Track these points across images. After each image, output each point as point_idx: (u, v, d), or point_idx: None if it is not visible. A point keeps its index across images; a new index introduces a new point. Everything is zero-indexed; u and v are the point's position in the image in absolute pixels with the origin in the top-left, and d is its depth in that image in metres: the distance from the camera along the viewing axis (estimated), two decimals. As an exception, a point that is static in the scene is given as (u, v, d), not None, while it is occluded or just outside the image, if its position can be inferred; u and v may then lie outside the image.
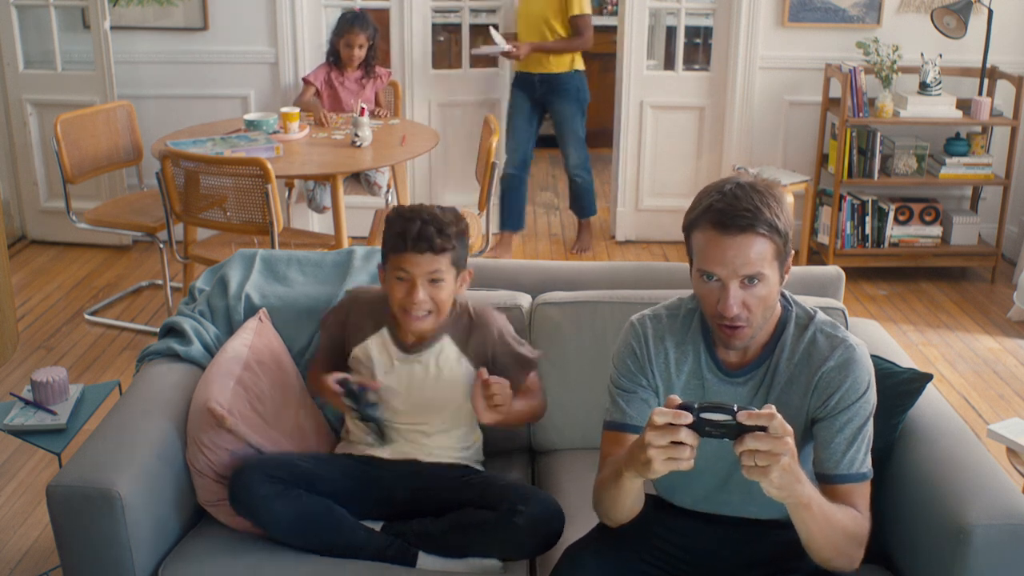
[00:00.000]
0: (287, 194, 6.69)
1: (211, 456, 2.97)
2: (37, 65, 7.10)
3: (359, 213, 6.85)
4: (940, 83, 6.56)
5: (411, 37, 7.10)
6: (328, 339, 3.32)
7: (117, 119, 6.19)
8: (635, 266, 3.86)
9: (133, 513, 2.74)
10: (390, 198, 6.67)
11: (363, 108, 5.67)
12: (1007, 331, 6.13)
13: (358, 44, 6.30)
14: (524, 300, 3.55)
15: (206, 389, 3.05)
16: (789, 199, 6.47)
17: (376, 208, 6.89)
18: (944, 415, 3.09)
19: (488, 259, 4.67)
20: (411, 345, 3.16)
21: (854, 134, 6.61)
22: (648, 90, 7.30)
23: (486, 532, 2.92)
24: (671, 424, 2.15)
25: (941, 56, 6.57)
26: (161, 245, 5.70)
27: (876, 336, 3.57)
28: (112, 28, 6.76)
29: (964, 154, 6.67)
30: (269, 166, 4.87)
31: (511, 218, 7.22)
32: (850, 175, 6.65)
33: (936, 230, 6.81)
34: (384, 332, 3.19)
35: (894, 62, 6.50)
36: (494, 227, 7.29)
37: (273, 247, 4.98)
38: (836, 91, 6.76)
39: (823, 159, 7.01)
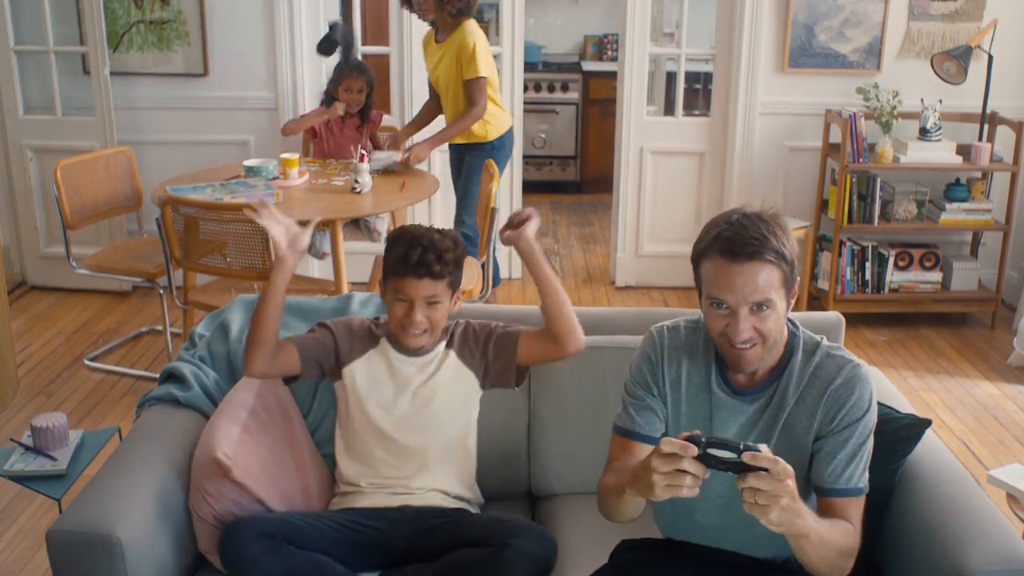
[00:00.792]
0: (287, 240, 6.66)
1: (215, 505, 2.95)
2: (37, 111, 7.11)
3: (359, 259, 6.84)
4: (940, 128, 6.57)
5: (411, 84, 7.12)
6: (315, 335, 3.34)
7: (117, 165, 6.19)
8: (635, 312, 3.85)
9: (133, 559, 2.72)
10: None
11: (363, 154, 5.67)
12: (1007, 377, 6.11)
13: (356, 89, 6.31)
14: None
15: (212, 437, 3.03)
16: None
17: (376, 254, 6.87)
18: (944, 461, 3.08)
19: (488, 305, 4.66)
20: (413, 350, 3.26)
21: (854, 179, 6.61)
22: (648, 136, 7.31)
23: (479, 569, 2.90)
24: (677, 454, 2.19)
25: (941, 101, 6.58)
26: (161, 291, 5.70)
27: (876, 382, 3.55)
28: (112, 74, 6.79)
29: (964, 199, 6.67)
30: (269, 212, 4.86)
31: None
32: (850, 220, 6.65)
33: (936, 276, 6.80)
34: (384, 341, 3.29)
35: (894, 107, 6.51)
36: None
37: (273, 293, 4.97)
38: (836, 136, 6.77)
39: (823, 204, 7.02)
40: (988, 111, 6.67)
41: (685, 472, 2.19)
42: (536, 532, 3.01)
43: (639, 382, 2.79)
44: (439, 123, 6.45)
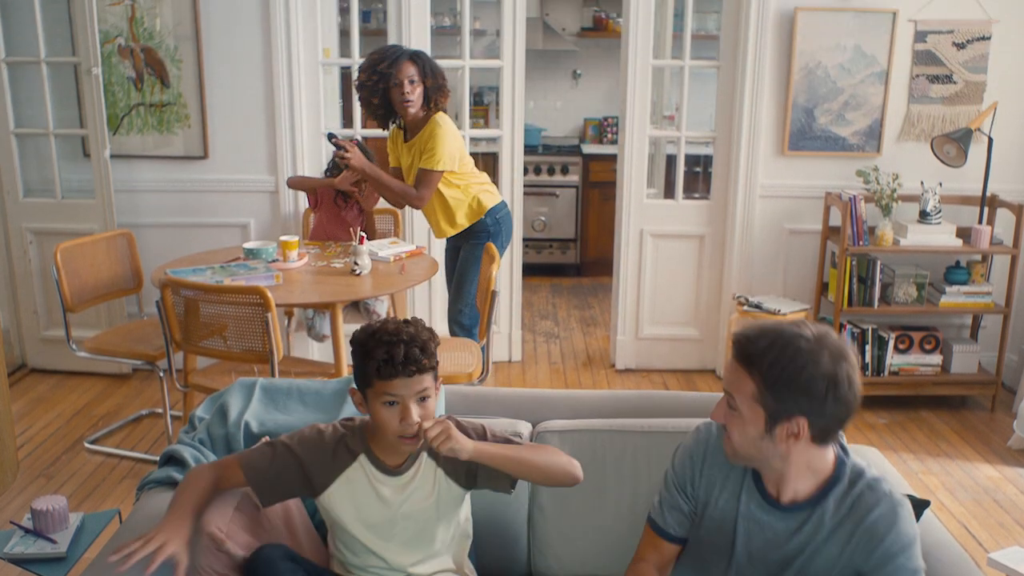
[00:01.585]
0: (287, 322, 6.68)
1: (211, 582, 2.91)
2: (37, 193, 7.13)
3: (358, 341, 6.82)
4: (940, 211, 6.58)
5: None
6: (274, 462, 3.05)
7: (117, 247, 6.20)
8: (636, 394, 3.83)
9: (134, 642, 2.66)
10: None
11: (362, 236, 5.68)
12: (1007, 460, 6.07)
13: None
14: (524, 428, 3.51)
15: (206, 515, 3.01)
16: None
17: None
18: (944, 543, 3.07)
19: (488, 388, 4.64)
20: (394, 467, 3.06)
21: (854, 262, 6.61)
22: (648, 218, 7.32)
23: None
24: None
25: (941, 184, 6.60)
26: (161, 374, 5.69)
27: (876, 464, 3.54)
28: (112, 156, 6.81)
29: (964, 282, 6.67)
30: (269, 295, 4.86)
31: None
32: (850, 303, 6.64)
33: (936, 358, 6.78)
34: (363, 459, 3.06)
35: (894, 190, 6.52)
36: (494, 356, 7.28)
37: (273, 375, 4.95)
38: (836, 219, 6.79)
39: (823, 287, 7.02)
40: (988, 194, 6.69)
41: None
42: None
43: (676, 479, 2.90)
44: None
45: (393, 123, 6.02)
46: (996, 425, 6.61)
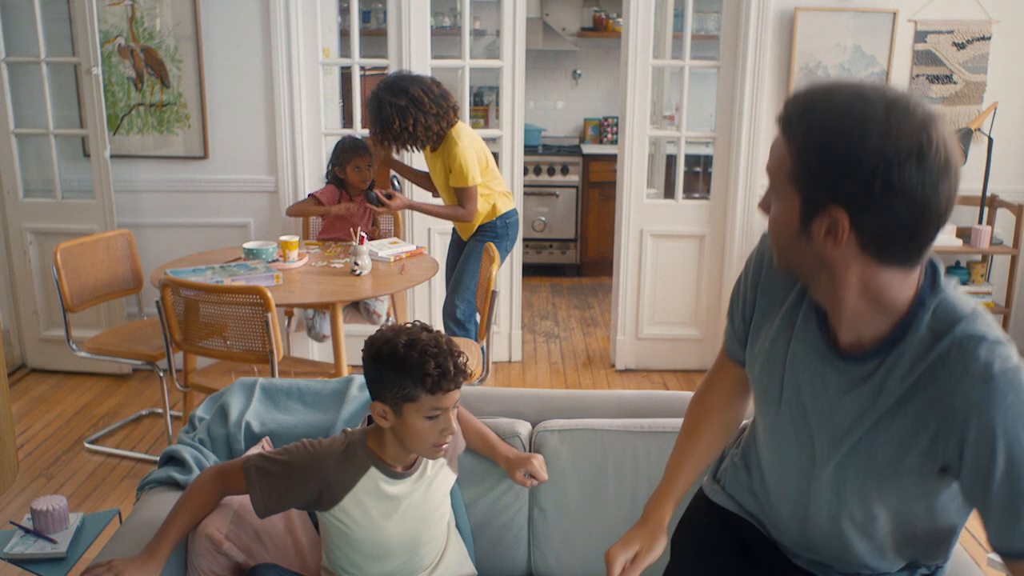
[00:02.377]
0: (287, 322, 6.67)
1: (210, 584, 2.90)
2: (37, 194, 7.13)
3: (358, 342, 6.77)
4: (940, 211, 6.57)
5: (411, 164, 7.13)
6: (290, 474, 2.94)
7: (117, 247, 6.19)
8: (635, 394, 3.82)
9: (132, 644, 2.66)
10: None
11: (363, 236, 5.67)
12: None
13: (366, 166, 6.32)
14: (523, 428, 3.51)
15: (206, 516, 3.01)
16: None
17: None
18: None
19: (488, 387, 4.64)
20: (401, 471, 3.02)
21: (854, 262, 6.59)
22: (648, 218, 7.32)
23: None
24: None
25: (940, 184, 6.59)
26: (161, 374, 5.68)
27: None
28: (112, 156, 6.82)
29: (964, 283, 6.68)
30: (269, 295, 4.86)
31: None
32: (851, 303, 6.62)
33: (938, 358, 6.77)
34: (372, 470, 2.98)
35: (894, 191, 6.51)
36: (494, 356, 7.27)
37: (273, 375, 4.95)
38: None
39: (823, 287, 7.00)
40: (988, 194, 6.69)
41: None
42: None
43: (737, 290, 2.41)
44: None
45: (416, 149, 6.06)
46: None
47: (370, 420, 3.05)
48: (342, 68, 8.16)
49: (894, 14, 6.65)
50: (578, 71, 11.06)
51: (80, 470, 5.75)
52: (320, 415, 3.58)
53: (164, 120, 6.93)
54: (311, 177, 7.03)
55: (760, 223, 7.04)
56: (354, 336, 6.48)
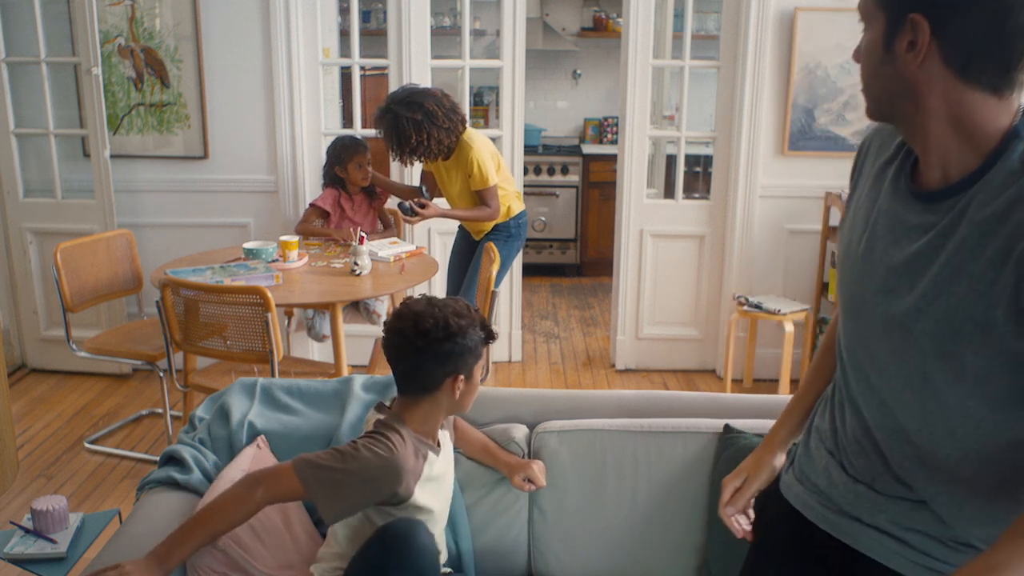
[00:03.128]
0: (287, 322, 6.67)
1: (207, 582, 2.90)
2: (37, 194, 7.12)
3: (358, 341, 6.83)
4: (940, 211, 6.56)
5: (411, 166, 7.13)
6: (367, 484, 2.85)
7: (117, 247, 6.19)
8: (635, 395, 3.82)
9: (132, 643, 2.66)
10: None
11: (363, 236, 5.67)
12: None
13: (367, 164, 6.33)
14: (520, 432, 3.50)
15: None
16: (789, 327, 6.46)
17: (375, 336, 6.87)
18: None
19: (488, 388, 4.63)
20: (437, 448, 3.10)
21: (854, 262, 6.57)
22: (648, 218, 7.31)
23: None
24: None
25: (940, 184, 6.59)
26: (161, 374, 5.69)
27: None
28: (112, 156, 6.82)
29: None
30: (269, 295, 4.86)
31: None
32: (851, 303, 6.62)
33: (938, 358, 6.75)
34: (431, 455, 3.04)
35: (893, 191, 6.51)
36: (494, 356, 7.26)
37: (273, 375, 4.95)
38: (836, 219, 6.78)
39: (823, 287, 7.00)
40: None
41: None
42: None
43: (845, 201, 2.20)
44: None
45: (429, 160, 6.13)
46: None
47: (378, 412, 3.09)
48: (342, 68, 8.16)
49: (894, 14, 6.64)
50: (578, 71, 11.06)
51: (80, 470, 5.75)
52: (321, 415, 3.58)
53: (164, 120, 6.93)
54: (311, 177, 7.03)
55: (760, 222, 7.05)
56: (353, 336, 6.49)
